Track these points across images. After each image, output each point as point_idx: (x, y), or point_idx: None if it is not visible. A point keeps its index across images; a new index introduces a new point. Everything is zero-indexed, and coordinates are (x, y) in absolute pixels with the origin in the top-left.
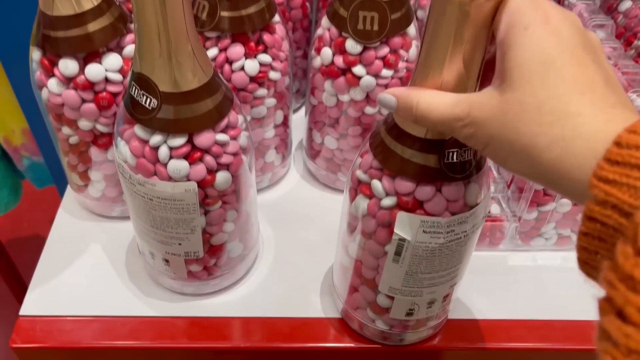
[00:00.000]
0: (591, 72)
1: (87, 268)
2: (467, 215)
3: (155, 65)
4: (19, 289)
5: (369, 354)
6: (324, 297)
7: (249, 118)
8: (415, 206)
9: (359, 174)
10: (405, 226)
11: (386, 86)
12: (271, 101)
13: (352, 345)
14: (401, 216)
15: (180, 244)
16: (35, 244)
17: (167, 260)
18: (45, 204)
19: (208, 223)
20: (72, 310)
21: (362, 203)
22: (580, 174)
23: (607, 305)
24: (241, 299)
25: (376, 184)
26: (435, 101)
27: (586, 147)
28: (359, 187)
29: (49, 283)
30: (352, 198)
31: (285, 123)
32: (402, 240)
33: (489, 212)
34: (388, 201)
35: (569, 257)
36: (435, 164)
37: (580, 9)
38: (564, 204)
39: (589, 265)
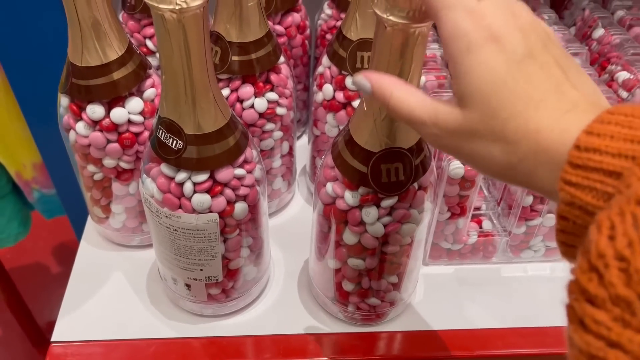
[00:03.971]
0: (541, 82)
1: (111, 294)
2: None
3: (181, 112)
4: (24, 317)
5: None
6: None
7: None
8: None
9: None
10: None
11: None
12: (278, 134)
13: (362, 357)
14: None
15: (201, 270)
16: (37, 273)
17: (188, 285)
18: (46, 232)
19: (227, 249)
20: (100, 335)
21: None
22: (551, 181)
23: (571, 313)
24: (256, 318)
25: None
26: (407, 98)
27: (550, 159)
28: None
29: (76, 310)
30: None
31: (290, 153)
32: None
33: (481, 227)
34: None
35: (557, 267)
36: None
37: (558, 38)
38: (550, 218)
39: (569, 255)
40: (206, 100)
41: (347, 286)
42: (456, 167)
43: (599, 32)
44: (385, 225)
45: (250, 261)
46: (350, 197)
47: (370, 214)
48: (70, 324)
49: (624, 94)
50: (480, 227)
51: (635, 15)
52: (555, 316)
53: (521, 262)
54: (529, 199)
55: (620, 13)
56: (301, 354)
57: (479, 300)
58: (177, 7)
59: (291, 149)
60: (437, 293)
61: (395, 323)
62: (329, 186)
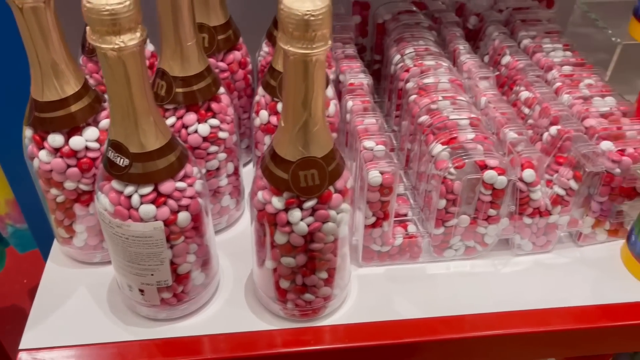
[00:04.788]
0: None
1: (74, 306)
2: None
3: (126, 134)
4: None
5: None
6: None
7: (204, 170)
8: None
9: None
10: None
11: None
12: (222, 155)
13: (301, 348)
14: None
15: (152, 275)
16: (11, 315)
17: (142, 291)
18: (16, 272)
19: (174, 255)
20: (64, 342)
21: None
22: None
23: None
24: (206, 320)
25: None
26: None
27: None
28: None
29: (42, 322)
30: None
31: (236, 173)
32: None
33: (406, 231)
34: None
35: (476, 264)
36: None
37: (470, 65)
38: (463, 220)
39: None
40: (147, 123)
41: (284, 284)
42: (374, 175)
43: (506, 59)
44: (308, 225)
45: (197, 266)
46: (277, 202)
47: (294, 215)
48: (37, 334)
49: (526, 110)
50: (406, 231)
51: (537, 44)
52: (473, 305)
53: (444, 260)
54: (442, 202)
55: (525, 42)
56: (247, 348)
57: (407, 295)
58: (117, 47)
59: (237, 169)
60: (370, 290)
61: (331, 318)
62: (260, 194)
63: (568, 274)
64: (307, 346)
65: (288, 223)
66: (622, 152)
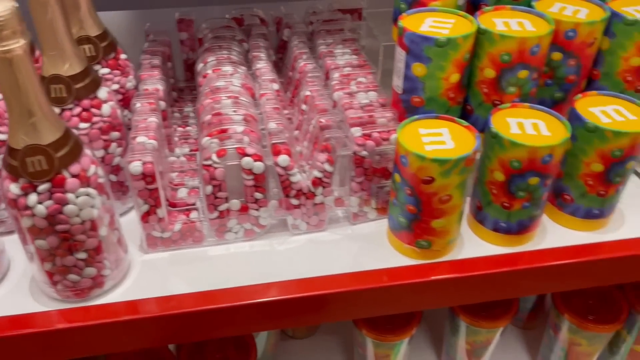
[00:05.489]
0: None
1: None
2: None
3: None
4: None
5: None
6: None
7: None
8: None
9: None
10: None
11: (87, 135)
12: None
13: (70, 325)
14: None
15: None
16: None
17: None
18: None
19: None
20: None
21: None
22: None
23: None
24: None
25: None
26: None
27: None
28: None
29: None
30: None
31: None
32: None
33: (189, 217)
34: None
35: (255, 244)
36: None
37: (263, 70)
38: (234, 204)
39: None
40: None
41: (46, 266)
42: (136, 165)
43: (299, 64)
44: (47, 208)
45: None
46: (14, 188)
47: (30, 199)
48: None
49: (304, 107)
50: (188, 217)
51: (330, 50)
52: (242, 279)
53: (227, 243)
54: (209, 188)
55: (320, 48)
56: (22, 327)
57: (185, 274)
58: None
59: None
60: (150, 273)
61: (106, 297)
62: (3, 183)
63: (337, 248)
64: (75, 323)
65: (27, 207)
66: (368, 136)
